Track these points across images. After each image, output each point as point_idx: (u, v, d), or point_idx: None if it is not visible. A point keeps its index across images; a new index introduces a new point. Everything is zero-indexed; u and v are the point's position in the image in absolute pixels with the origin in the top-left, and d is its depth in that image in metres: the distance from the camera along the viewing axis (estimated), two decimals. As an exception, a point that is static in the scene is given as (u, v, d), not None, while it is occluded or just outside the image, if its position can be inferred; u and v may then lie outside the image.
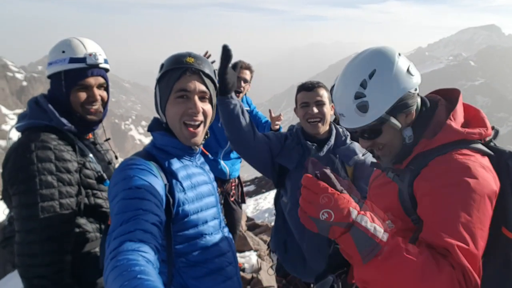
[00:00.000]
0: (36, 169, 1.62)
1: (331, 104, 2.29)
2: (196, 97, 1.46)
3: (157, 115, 1.57)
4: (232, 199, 3.99)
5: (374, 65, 1.36)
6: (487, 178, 1.26)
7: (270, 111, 3.83)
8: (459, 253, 1.13)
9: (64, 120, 1.78)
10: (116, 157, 2.16)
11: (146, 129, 1.60)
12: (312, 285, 2.46)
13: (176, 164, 1.49)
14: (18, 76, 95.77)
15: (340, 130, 2.38)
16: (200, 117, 1.48)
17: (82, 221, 1.81)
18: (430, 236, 1.22)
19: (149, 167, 1.36)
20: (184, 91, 1.44)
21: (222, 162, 3.79)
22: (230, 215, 3.94)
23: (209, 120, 1.54)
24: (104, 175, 1.89)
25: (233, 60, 3.81)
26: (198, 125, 1.49)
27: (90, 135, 1.99)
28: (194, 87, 1.45)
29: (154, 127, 1.55)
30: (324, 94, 2.25)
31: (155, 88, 1.53)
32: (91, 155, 1.87)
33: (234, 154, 3.91)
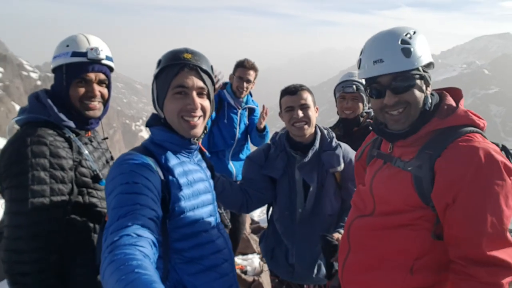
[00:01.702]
0: (29, 164, 1.60)
1: (315, 107, 2.29)
2: (194, 93, 1.46)
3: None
4: None
5: (413, 29, 1.48)
6: (508, 166, 1.32)
7: (264, 106, 3.75)
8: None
9: (62, 116, 1.76)
10: (112, 158, 2.14)
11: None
12: (304, 286, 2.48)
13: (173, 160, 1.48)
14: (33, 75, 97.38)
15: (325, 132, 2.36)
16: (199, 113, 1.48)
17: (75, 220, 1.78)
18: (471, 251, 1.31)
19: (146, 162, 1.36)
20: (182, 87, 1.44)
21: (230, 162, 3.78)
22: (235, 218, 3.94)
23: (208, 115, 1.54)
24: (100, 174, 1.86)
25: (239, 58, 3.83)
26: (197, 119, 1.49)
27: (90, 133, 1.96)
28: (192, 83, 1.44)
29: (153, 122, 1.54)
30: (308, 97, 2.25)
31: (152, 85, 1.52)
32: (87, 152, 1.84)
33: (243, 155, 3.90)
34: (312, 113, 2.26)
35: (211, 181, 1.69)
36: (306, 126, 2.23)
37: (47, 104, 1.76)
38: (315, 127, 2.35)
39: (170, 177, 1.43)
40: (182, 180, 1.46)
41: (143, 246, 1.03)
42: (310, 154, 2.26)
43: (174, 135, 1.49)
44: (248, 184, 2.37)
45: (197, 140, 1.55)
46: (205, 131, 1.58)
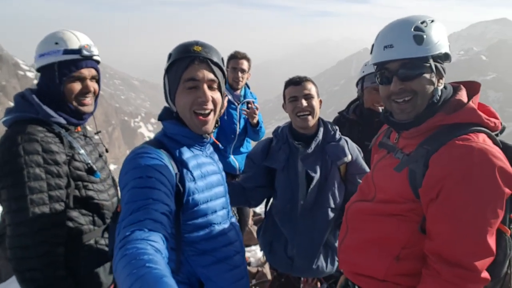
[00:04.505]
0: (23, 161, 1.60)
1: (319, 99, 2.30)
2: (205, 86, 1.45)
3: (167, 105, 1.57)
4: None
5: (432, 18, 1.44)
6: (506, 172, 1.26)
7: (248, 104, 3.73)
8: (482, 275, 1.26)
9: (51, 112, 1.75)
10: (107, 150, 2.15)
11: (155, 126, 1.68)
12: (302, 279, 2.50)
13: (186, 153, 1.49)
14: (29, 74, 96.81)
15: (329, 124, 2.37)
16: (210, 106, 1.47)
17: (74, 213, 1.79)
18: (442, 248, 1.31)
19: (159, 156, 1.35)
20: (193, 80, 1.43)
21: (232, 156, 3.80)
22: (240, 211, 3.99)
23: (219, 108, 1.53)
24: (94, 166, 1.87)
25: (231, 50, 3.88)
26: (208, 113, 1.48)
27: (79, 128, 1.96)
28: (203, 75, 1.44)
29: (165, 116, 1.54)
30: (312, 88, 2.26)
31: (164, 79, 1.52)
32: (78, 146, 1.84)
33: (244, 149, 3.92)
34: (316, 103, 2.26)
35: (223, 174, 1.69)
36: (310, 117, 2.24)
37: (34, 101, 1.75)
38: (318, 119, 2.35)
39: (185, 170, 1.44)
40: (196, 173, 1.47)
41: (154, 241, 1.04)
42: (313, 145, 2.26)
43: (187, 128, 1.49)
44: (248, 181, 2.40)
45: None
46: (216, 125, 1.57)
